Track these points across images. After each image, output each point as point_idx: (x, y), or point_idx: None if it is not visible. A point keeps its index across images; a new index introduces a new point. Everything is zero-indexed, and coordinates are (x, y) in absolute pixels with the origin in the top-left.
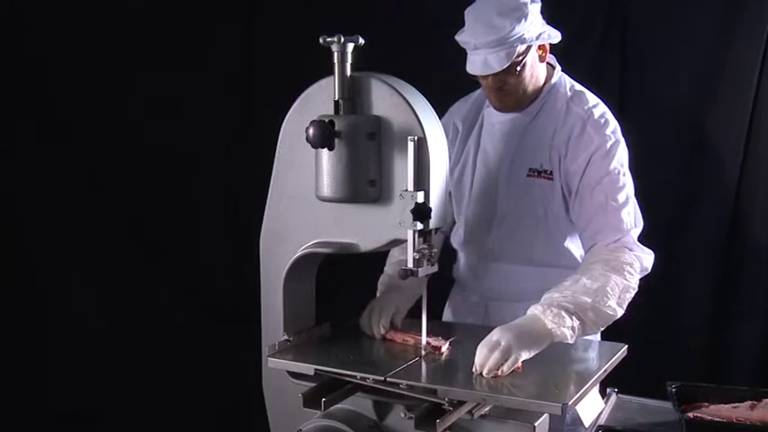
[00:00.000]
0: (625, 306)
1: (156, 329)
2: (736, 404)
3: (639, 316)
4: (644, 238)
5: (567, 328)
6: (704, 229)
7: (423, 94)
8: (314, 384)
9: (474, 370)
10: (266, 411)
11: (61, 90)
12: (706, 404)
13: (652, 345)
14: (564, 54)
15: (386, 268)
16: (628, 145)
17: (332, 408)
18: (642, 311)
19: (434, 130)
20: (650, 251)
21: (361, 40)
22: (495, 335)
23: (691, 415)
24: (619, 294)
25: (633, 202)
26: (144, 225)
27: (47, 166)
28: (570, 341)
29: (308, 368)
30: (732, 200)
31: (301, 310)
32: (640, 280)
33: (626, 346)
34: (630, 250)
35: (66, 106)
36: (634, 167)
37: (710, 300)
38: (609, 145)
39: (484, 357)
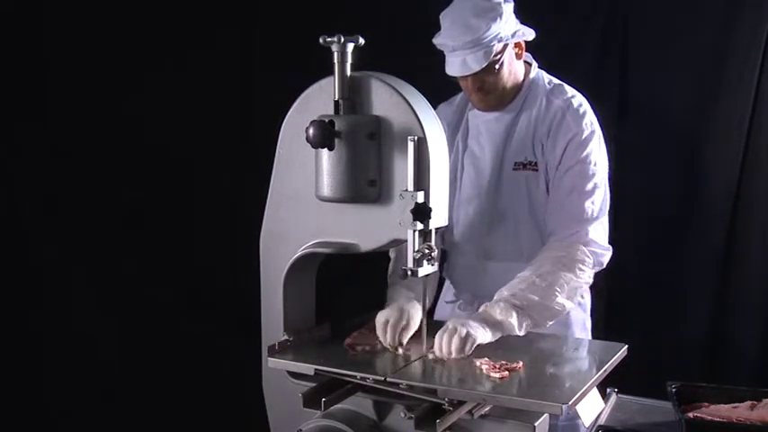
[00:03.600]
0: (576, 300)
1: (155, 329)
2: (736, 404)
3: (639, 316)
4: (643, 238)
5: (514, 321)
6: (704, 229)
7: (423, 94)
8: (314, 384)
9: (433, 354)
10: (266, 411)
11: (63, 91)
12: (706, 404)
13: (652, 345)
14: (564, 55)
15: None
16: (628, 146)
17: (332, 408)
18: (642, 311)
19: (434, 130)
20: (608, 247)
21: (361, 40)
22: (450, 324)
23: (691, 415)
24: (567, 291)
25: (601, 193)
26: (144, 225)
27: (47, 166)
28: (519, 333)
29: (308, 368)
30: (732, 200)
31: (301, 310)
32: (640, 280)
33: (626, 346)
34: (585, 245)
35: (67, 107)
36: (633, 167)
37: (710, 300)
38: (585, 134)
39: (446, 344)
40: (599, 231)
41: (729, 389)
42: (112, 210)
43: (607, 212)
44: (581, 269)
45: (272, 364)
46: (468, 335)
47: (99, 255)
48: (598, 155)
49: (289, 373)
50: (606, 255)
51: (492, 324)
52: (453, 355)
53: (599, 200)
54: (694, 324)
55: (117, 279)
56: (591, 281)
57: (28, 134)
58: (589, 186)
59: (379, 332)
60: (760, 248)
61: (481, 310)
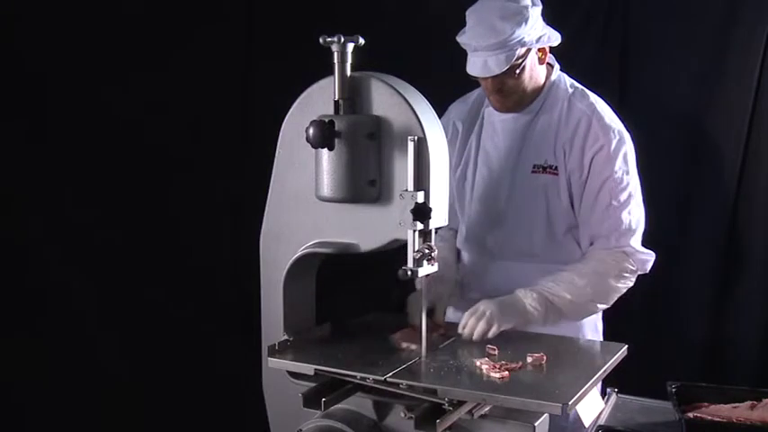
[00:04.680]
0: (610, 303)
1: (155, 330)
2: (736, 404)
3: (639, 316)
4: (644, 239)
5: (541, 315)
6: (704, 230)
7: (423, 94)
8: (314, 384)
9: (461, 332)
10: (266, 411)
11: (61, 90)
12: (706, 404)
13: (652, 345)
14: (564, 54)
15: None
16: None
17: (332, 408)
18: (642, 311)
19: (434, 130)
20: (651, 252)
21: (361, 40)
22: (481, 306)
23: (691, 415)
24: (603, 295)
25: (636, 201)
26: (144, 225)
27: (47, 165)
28: (542, 325)
29: (308, 368)
30: (732, 200)
31: (301, 310)
32: (640, 280)
33: (626, 346)
34: (628, 255)
35: (66, 106)
36: None
37: (710, 300)
38: (614, 144)
39: (471, 326)
40: (639, 238)
41: (729, 389)
42: (112, 209)
43: (643, 217)
44: (624, 276)
45: (272, 364)
46: (492, 320)
47: (98, 255)
48: (629, 162)
49: (289, 373)
50: (650, 260)
51: (519, 312)
52: (475, 338)
53: (636, 209)
54: (694, 324)
55: (117, 279)
56: (630, 286)
57: (27, 135)
58: (624, 197)
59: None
60: (760, 248)
61: (515, 294)
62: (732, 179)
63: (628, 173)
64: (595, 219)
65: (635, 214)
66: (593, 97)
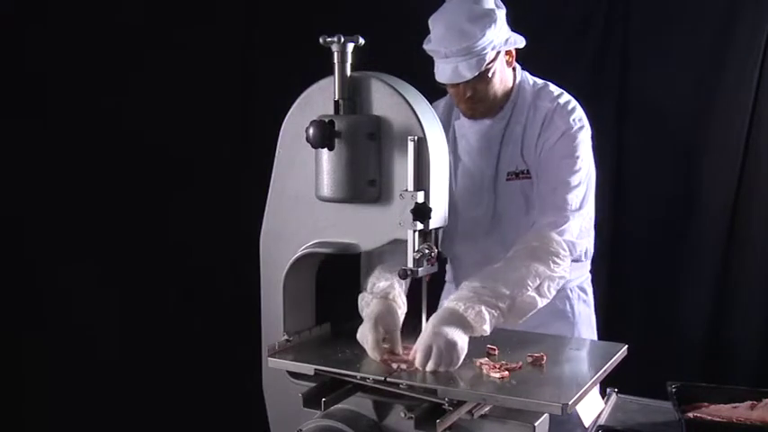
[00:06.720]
0: (550, 294)
1: (155, 329)
2: (736, 404)
3: (639, 316)
4: (644, 238)
5: (487, 324)
6: (704, 229)
7: (423, 94)
8: (314, 384)
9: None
10: (266, 411)
11: (63, 90)
12: (706, 404)
13: (652, 345)
14: (564, 54)
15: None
16: (627, 146)
17: (332, 408)
18: (642, 311)
19: (434, 130)
20: (587, 238)
21: (361, 40)
22: (429, 340)
23: (691, 415)
24: (539, 284)
25: (583, 189)
26: (144, 225)
27: (47, 165)
28: (487, 333)
29: (308, 368)
30: (732, 200)
31: (301, 310)
32: (640, 279)
33: (626, 346)
34: (559, 235)
35: (67, 106)
36: (634, 168)
37: (710, 300)
38: (573, 130)
39: (433, 363)
40: (575, 225)
41: (729, 389)
42: (112, 209)
43: (585, 208)
44: (555, 262)
45: (272, 364)
46: (449, 359)
47: (98, 255)
48: (584, 150)
49: (289, 373)
50: (583, 244)
51: (465, 327)
52: (447, 369)
53: (580, 194)
54: (694, 324)
55: (116, 278)
56: (567, 274)
57: (27, 132)
58: (574, 180)
59: (368, 351)
60: (759, 248)
61: (451, 307)
62: (732, 179)
63: (583, 159)
64: (543, 196)
65: (578, 199)
66: (557, 91)
